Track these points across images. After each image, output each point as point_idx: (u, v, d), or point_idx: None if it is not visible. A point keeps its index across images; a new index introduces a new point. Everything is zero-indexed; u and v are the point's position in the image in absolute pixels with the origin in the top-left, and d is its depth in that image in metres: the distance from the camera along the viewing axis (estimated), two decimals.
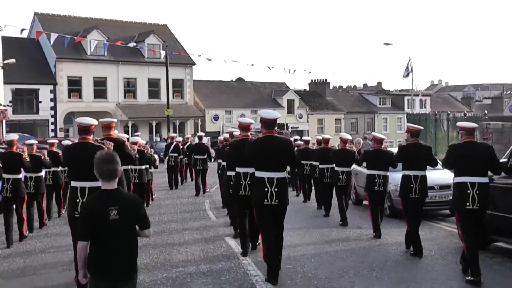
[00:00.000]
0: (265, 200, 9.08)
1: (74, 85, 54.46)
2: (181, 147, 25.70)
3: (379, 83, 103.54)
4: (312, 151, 19.24)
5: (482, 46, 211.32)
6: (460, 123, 9.92)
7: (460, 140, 9.80)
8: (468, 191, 9.26)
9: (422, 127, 12.42)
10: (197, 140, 24.15)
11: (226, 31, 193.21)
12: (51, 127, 53.15)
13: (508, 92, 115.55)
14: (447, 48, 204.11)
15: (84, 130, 8.99)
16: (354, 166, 16.42)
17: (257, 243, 11.19)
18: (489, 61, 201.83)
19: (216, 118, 63.41)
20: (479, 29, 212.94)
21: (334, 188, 16.18)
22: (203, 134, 25.73)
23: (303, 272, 9.95)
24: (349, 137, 15.96)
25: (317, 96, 75.73)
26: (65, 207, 16.83)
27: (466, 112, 50.78)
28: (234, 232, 13.25)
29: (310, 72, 51.09)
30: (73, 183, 8.80)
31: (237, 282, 9.27)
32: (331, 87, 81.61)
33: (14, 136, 13.50)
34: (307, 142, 21.20)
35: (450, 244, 12.28)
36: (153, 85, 58.69)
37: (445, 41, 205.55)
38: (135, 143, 17.26)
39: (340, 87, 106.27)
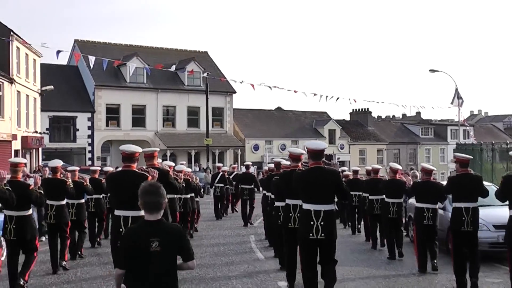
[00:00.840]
0: (311, 234, 8.84)
1: (113, 113, 53.72)
2: (227, 176, 25.44)
3: (418, 113, 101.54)
4: (361, 182, 19.00)
5: None
6: None
7: None
8: None
9: (471, 157, 12.13)
10: (244, 170, 24.42)
11: (266, 59, 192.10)
12: (88, 155, 52.24)
13: None
14: (485, 76, 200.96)
15: (128, 158, 9.05)
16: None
17: None
18: None
19: (256, 148, 61.94)
20: None
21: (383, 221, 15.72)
22: (250, 163, 26.10)
23: None
24: (399, 167, 15.52)
25: (358, 125, 74.23)
26: (102, 236, 17.37)
27: None
28: (280, 266, 13.03)
29: (355, 101, 49.05)
30: (116, 212, 8.85)
31: None
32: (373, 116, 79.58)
33: (59, 163, 13.45)
34: (356, 172, 20.89)
35: None
36: (193, 113, 57.68)
37: (483, 70, 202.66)
38: (180, 171, 16.78)
39: (379, 117, 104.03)
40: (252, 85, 42.07)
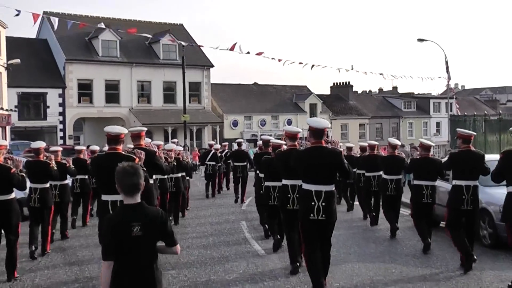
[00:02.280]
0: (311, 215, 8.73)
1: (85, 89, 51.33)
2: (219, 154, 25.33)
3: (394, 88, 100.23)
4: (356, 159, 18.48)
5: (498, 48, 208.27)
6: None
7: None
8: None
9: (474, 133, 11.91)
10: (236, 147, 24.37)
11: (244, 32, 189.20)
12: (60, 134, 49.92)
13: None
14: (461, 50, 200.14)
15: (114, 139, 8.93)
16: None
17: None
18: (505, 64, 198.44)
19: (235, 124, 60.35)
20: (493, 30, 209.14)
21: (381, 197, 15.61)
22: (242, 140, 26.17)
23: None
24: (398, 142, 15.34)
25: (339, 100, 72.71)
26: (89, 217, 17.30)
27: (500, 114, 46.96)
28: (273, 240, 12.70)
29: (339, 71, 46.02)
30: (104, 197, 8.75)
31: None
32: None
33: (41, 144, 13.13)
34: (350, 148, 20.27)
35: None
36: (169, 88, 55.69)
37: (459, 43, 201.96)
38: (170, 150, 16.55)
39: (364, 91, 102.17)
40: (233, 46, 38.60)
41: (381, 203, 15.85)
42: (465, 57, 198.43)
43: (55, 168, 12.89)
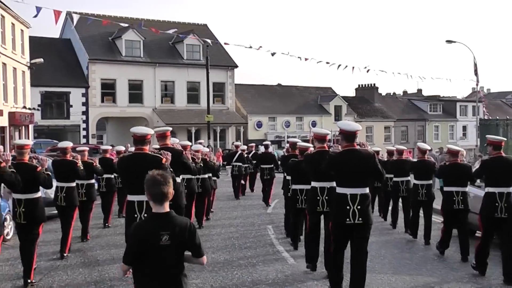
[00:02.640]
0: (347, 219, 8.64)
1: (108, 89, 51.04)
2: (245, 155, 25.29)
3: (419, 90, 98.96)
4: (384, 163, 17.13)
5: None
6: None
7: None
8: None
9: (505, 138, 11.81)
10: (263, 149, 24.53)
11: (268, 32, 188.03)
12: (83, 133, 49.66)
13: None
14: (487, 52, 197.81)
15: (140, 140, 8.94)
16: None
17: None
18: None
19: (259, 125, 59.70)
20: None
21: (411, 203, 15.22)
22: (269, 142, 26.06)
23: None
24: (428, 147, 15.00)
25: (364, 102, 71.79)
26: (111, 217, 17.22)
27: None
28: (294, 245, 12.98)
29: (367, 70, 44.64)
30: (130, 197, 8.75)
31: None
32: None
33: (68, 144, 13.42)
34: (377, 152, 18.69)
35: None
36: (192, 89, 55.22)
37: (484, 45, 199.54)
38: (197, 151, 16.23)
39: (388, 94, 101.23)
40: (256, 49, 38.36)
41: (410, 208, 15.55)
42: (491, 59, 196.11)
43: (82, 167, 13.00)
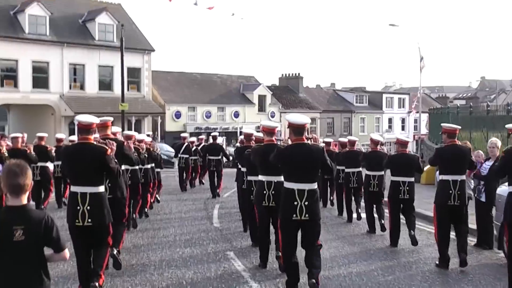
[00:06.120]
0: (294, 215, 8.64)
1: (8, 71, 45.22)
2: (194, 148, 25.28)
3: (332, 84, 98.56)
4: (336, 154, 18.17)
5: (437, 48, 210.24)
6: None
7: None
8: None
9: (459, 126, 11.80)
10: (211, 140, 24.44)
11: (189, 15, 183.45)
12: None
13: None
14: (394, 49, 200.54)
15: (85, 129, 8.73)
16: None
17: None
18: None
19: (178, 115, 55.92)
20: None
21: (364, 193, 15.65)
22: (217, 133, 25.75)
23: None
24: (380, 138, 15.44)
25: (289, 92, 69.41)
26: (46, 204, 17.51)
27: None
28: (252, 243, 12.60)
29: (291, 60, 41.18)
30: (73, 188, 8.59)
31: None
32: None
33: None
34: (328, 144, 19.89)
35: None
36: (105, 74, 50.20)
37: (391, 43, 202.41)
38: (141, 141, 16.19)
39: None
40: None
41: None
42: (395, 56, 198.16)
43: (6, 154, 13.50)
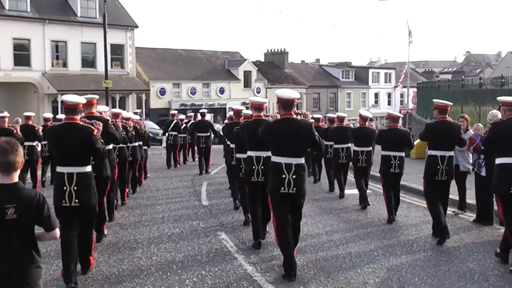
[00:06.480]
0: (282, 188, 8.73)
1: None
2: (183, 125, 25.45)
3: (317, 59, 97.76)
4: (325, 130, 18.44)
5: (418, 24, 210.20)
6: (504, 98, 9.51)
7: (503, 116, 9.49)
8: None
9: (451, 103, 11.86)
10: (199, 117, 24.24)
11: None
12: None
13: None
14: (380, 24, 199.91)
15: (71, 109, 8.71)
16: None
17: (266, 231, 10.96)
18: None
19: (162, 92, 55.03)
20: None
21: (353, 169, 15.81)
22: (205, 110, 25.92)
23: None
24: (369, 114, 15.67)
25: (274, 67, 68.68)
26: (39, 185, 17.58)
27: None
28: (244, 218, 12.54)
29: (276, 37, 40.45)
30: (59, 169, 8.51)
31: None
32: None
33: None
34: (317, 120, 20.23)
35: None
36: (88, 51, 49.12)
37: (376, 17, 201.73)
38: (128, 119, 16.21)
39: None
40: None
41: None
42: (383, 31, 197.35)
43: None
